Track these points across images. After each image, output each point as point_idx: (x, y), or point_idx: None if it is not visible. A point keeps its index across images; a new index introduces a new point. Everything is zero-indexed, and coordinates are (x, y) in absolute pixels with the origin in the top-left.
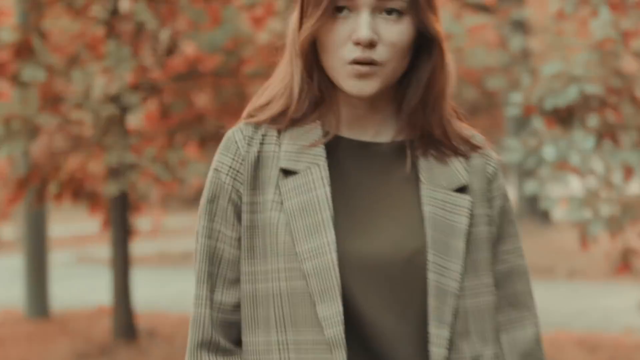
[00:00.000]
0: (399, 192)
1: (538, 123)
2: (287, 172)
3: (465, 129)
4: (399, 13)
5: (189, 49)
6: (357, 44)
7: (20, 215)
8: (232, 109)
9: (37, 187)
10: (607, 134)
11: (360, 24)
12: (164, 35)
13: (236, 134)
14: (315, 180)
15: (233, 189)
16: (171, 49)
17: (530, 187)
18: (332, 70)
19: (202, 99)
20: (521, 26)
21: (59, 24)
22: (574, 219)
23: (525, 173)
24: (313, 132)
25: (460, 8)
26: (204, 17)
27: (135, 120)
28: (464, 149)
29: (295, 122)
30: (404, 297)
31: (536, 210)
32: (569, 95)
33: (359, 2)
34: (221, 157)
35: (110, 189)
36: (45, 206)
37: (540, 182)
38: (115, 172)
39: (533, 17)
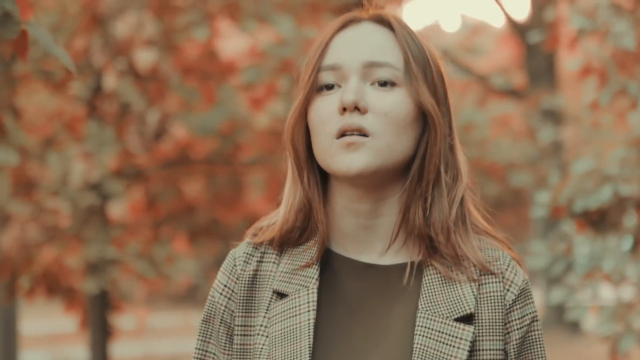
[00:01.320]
0: (394, 320)
1: (567, 226)
2: (279, 295)
3: (487, 249)
4: (393, 84)
5: (179, 132)
6: (343, 110)
7: None
8: (225, 199)
9: (8, 282)
10: None
11: (347, 89)
12: (152, 117)
13: (237, 251)
14: (302, 304)
15: (227, 310)
16: (159, 132)
17: (557, 295)
18: (322, 154)
19: (193, 188)
20: (553, 115)
21: (35, 101)
22: (604, 332)
23: (552, 279)
24: (310, 250)
25: (485, 93)
26: (197, 96)
27: (117, 210)
28: (475, 271)
29: (293, 239)
30: None
31: (564, 318)
32: (602, 197)
33: (346, 72)
34: (219, 275)
35: (88, 286)
36: (16, 301)
37: (569, 290)
38: (94, 268)
39: (567, 105)
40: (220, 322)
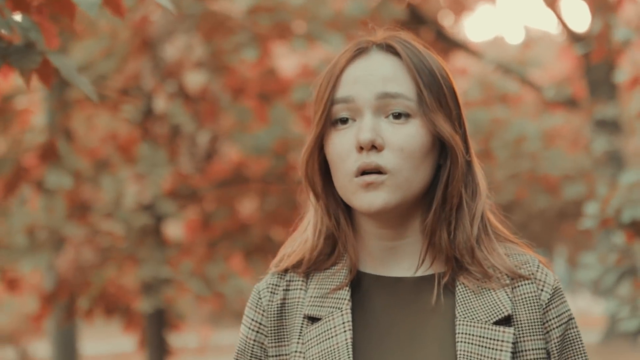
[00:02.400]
0: (432, 331)
1: (618, 237)
2: (311, 319)
3: (514, 254)
4: (407, 116)
5: (231, 151)
6: (360, 149)
7: (50, 331)
8: (280, 218)
9: (66, 303)
10: None
11: (362, 126)
12: (203, 138)
13: (260, 285)
14: (337, 326)
15: (256, 343)
16: (210, 153)
17: (611, 307)
18: (343, 190)
19: (247, 207)
20: (607, 126)
21: (88, 124)
22: None
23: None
24: (339, 273)
25: (540, 105)
26: (249, 116)
27: (173, 230)
28: (507, 277)
29: (320, 264)
30: None
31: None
32: None
33: (359, 105)
34: (246, 310)
35: (144, 306)
36: (76, 322)
37: (621, 301)
38: (149, 287)
39: (623, 115)
40: (251, 356)
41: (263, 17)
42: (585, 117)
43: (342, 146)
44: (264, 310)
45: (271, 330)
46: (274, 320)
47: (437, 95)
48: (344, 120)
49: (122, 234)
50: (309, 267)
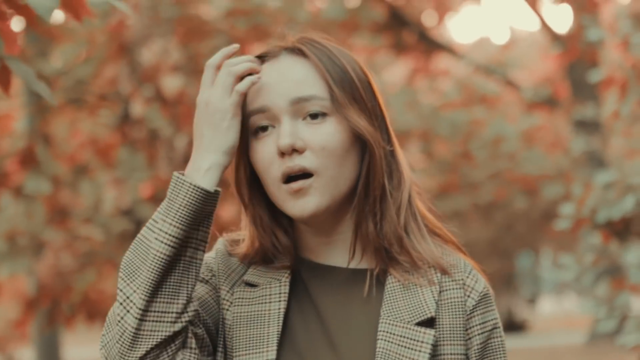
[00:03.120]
0: (359, 324)
1: (594, 238)
2: (249, 285)
3: (446, 255)
4: (323, 115)
5: None
6: (282, 154)
7: (33, 337)
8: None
9: (48, 308)
10: None
11: (281, 132)
12: (181, 142)
13: (223, 240)
14: (273, 294)
15: (206, 270)
16: (189, 157)
17: (589, 307)
18: (274, 198)
19: (227, 211)
20: (589, 126)
21: (70, 129)
22: (634, 341)
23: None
24: (281, 259)
25: (522, 106)
26: None
27: None
28: (435, 274)
29: (261, 259)
30: None
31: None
32: (625, 206)
33: (276, 112)
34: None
35: None
36: (58, 328)
37: (599, 301)
38: None
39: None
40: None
41: (240, 21)
42: (565, 117)
43: (264, 154)
44: (219, 259)
45: (220, 276)
46: (222, 260)
47: (350, 91)
48: (264, 128)
49: (101, 238)
50: (250, 261)
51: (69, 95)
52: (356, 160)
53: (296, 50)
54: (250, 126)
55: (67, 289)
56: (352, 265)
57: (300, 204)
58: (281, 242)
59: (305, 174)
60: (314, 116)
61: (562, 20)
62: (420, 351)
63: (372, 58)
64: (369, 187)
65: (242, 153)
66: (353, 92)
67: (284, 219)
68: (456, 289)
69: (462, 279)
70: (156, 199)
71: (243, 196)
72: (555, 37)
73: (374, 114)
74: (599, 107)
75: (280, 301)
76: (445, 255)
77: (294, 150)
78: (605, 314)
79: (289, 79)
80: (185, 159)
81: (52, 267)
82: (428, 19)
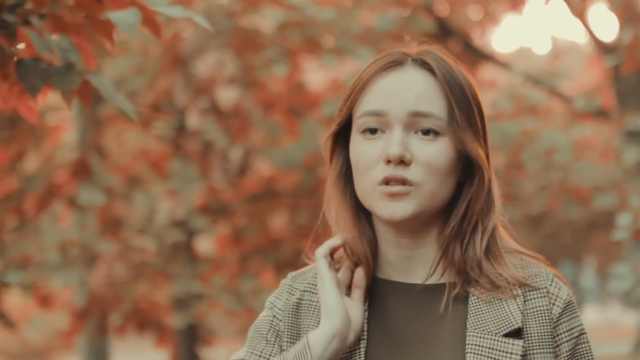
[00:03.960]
0: (444, 339)
1: None
2: None
3: (528, 266)
4: (436, 133)
5: (262, 167)
6: (388, 162)
7: (81, 346)
8: (310, 232)
9: (98, 318)
10: None
11: (392, 141)
12: (236, 153)
13: (286, 281)
14: None
15: (275, 322)
16: (243, 168)
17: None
18: (365, 196)
19: (278, 222)
20: (639, 136)
21: (120, 140)
22: None
23: (638, 302)
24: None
25: (570, 116)
26: (279, 130)
27: (203, 245)
28: (517, 289)
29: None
30: None
31: None
32: None
33: (391, 119)
34: (270, 297)
35: (176, 321)
36: (108, 337)
37: None
38: (181, 303)
39: None
40: (271, 332)
41: (293, 32)
42: (615, 127)
43: (369, 156)
44: (284, 303)
45: (287, 323)
46: (289, 315)
47: (466, 114)
48: (374, 131)
49: (154, 249)
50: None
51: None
52: (455, 181)
53: (422, 63)
54: (359, 124)
55: (118, 299)
56: (431, 282)
57: (393, 206)
58: (364, 249)
59: (404, 183)
60: (426, 132)
61: (607, 29)
62: None
63: None
64: (468, 212)
65: (343, 146)
66: (469, 116)
67: (367, 227)
68: (540, 297)
69: (546, 287)
70: (209, 209)
71: (333, 189)
72: (601, 47)
73: (484, 139)
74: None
75: (359, 340)
76: (526, 267)
77: (401, 162)
78: None
79: (412, 90)
80: (240, 170)
81: (105, 277)
82: (472, 29)
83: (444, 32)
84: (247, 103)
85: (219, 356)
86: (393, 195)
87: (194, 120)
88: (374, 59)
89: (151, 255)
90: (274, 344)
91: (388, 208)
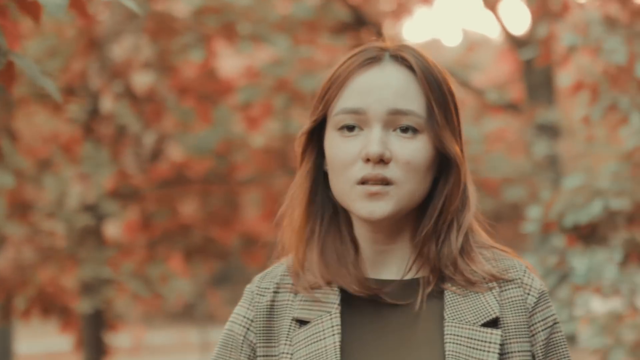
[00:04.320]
0: (421, 333)
1: (558, 240)
2: (300, 322)
3: (501, 259)
4: (415, 130)
5: (175, 152)
6: (367, 160)
7: None
8: (220, 218)
9: (3, 302)
10: (634, 253)
11: (371, 139)
12: (149, 138)
13: (252, 286)
14: (326, 329)
15: (246, 340)
16: (156, 153)
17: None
18: (342, 195)
19: (189, 208)
20: (547, 130)
21: (32, 123)
22: (594, 345)
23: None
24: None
25: (481, 109)
26: (193, 117)
27: (112, 230)
28: (492, 283)
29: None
30: None
31: None
32: (592, 211)
33: (370, 117)
34: (238, 308)
35: (83, 306)
36: (12, 321)
37: (560, 303)
38: (89, 288)
39: (563, 119)
40: (239, 353)
41: (209, 18)
42: (525, 121)
43: (347, 154)
44: (256, 309)
45: (260, 329)
46: (263, 320)
47: (444, 112)
48: (351, 128)
49: (63, 233)
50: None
51: (34, 89)
52: (432, 178)
53: (401, 59)
54: (336, 121)
55: (23, 282)
56: (407, 277)
57: (372, 206)
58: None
59: (384, 182)
60: (405, 130)
61: (518, 22)
62: (489, 351)
63: (336, 58)
64: (444, 210)
65: (317, 143)
66: (447, 113)
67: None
68: (515, 288)
69: (520, 278)
70: (119, 194)
71: (299, 188)
72: (513, 40)
73: (460, 136)
74: (557, 111)
75: (333, 334)
76: (499, 260)
77: (381, 160)
78: (567, 316)
79: (391, 87)
80: (152, 156)
81: (12, 261)
82: (385, 19)
83: (358, 21)
84: (161, 88)
85: (124, 342)
86: (372, 195)
87: (107, 104)
88: (350, 54)
89: (60, 239)
90: None
91: (367, 207)
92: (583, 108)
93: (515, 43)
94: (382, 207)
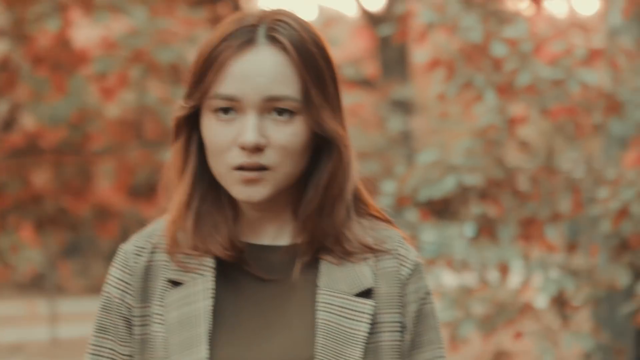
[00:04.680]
0: (295, 300)
1: (412, 215)
2: (173, 283)
3: (378, 229)
4: (291, 113)
5: (28, 122)
6: (243, 148)
7: None
8: (73, 189)
9: None
10: (485, 228)
11: (246, 127)
12: (1, 108)
13: (127, 245)
14: (198, 292)
15: (123, 303)
16: (9, 122)
17: None
18: (219, 176)
19: (41, 178)
20: (402, 106)
21: None
22: (444, 318)
23: None
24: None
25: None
26: (47, 86)
27: None
28: (368, 254)
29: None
30: None
31: None
32: (446, 186)
33: (245, 104)
34: (112, 270)
35: None
36: None
37: None
38: None
39: (418, 96)
40: (118, 316)
41: None
42: (380, 96)
43: (222, 138)
44: (131, 270)
45: (136, 290)
46: (139, 280)
47: (322, 91)
48: (226, 110)
49: None
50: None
51: None
52: (309, 155)
53: (276, 41)
54: (212, 104)
55: None
56: (282, 243)
57: (249, 191)
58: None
59: (261, 168)
60: (280, 112)
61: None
62: (360, 321)
63: (193, 31)
64: (328, 186)
65: (192, 120)
66: (324, 92)
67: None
68: (390, 259)
69: (396, 249)
70: None
71: (187, 163)
72: (369, 17)
73: (340, 109)
74: (411, 88)
75: (205, 299)
76: (377, 230)
77: (257, 148)
78: None
79: (265, 75)
80: (5, 125)
81: None
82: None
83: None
84: (15, 57)
85: None
86: (249, 181)
87: None
88: (224, 32)
89: None
90: (121, 333)
91: (244, 192)
92: (438, 85)
93: (372, 20)
94: (259, 191)
